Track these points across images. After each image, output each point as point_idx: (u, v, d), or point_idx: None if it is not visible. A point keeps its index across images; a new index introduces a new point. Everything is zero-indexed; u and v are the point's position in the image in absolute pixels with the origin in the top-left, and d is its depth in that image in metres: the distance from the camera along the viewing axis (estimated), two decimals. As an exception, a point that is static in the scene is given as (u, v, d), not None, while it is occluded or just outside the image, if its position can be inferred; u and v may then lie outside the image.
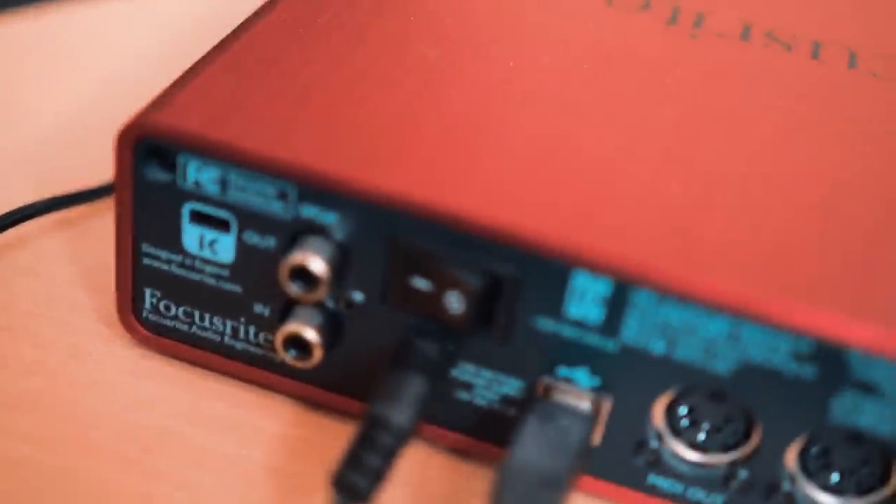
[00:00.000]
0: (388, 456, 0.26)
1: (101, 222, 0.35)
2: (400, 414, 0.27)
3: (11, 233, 0.34)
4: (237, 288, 0.29)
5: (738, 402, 0.26)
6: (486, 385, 0.28)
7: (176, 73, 0.29)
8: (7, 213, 0.33)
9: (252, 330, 0.30)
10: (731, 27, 0.35)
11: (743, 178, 0.28)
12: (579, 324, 0.26)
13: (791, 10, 0.36)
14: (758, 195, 0.28)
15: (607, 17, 0.34)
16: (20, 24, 0.43)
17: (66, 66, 0.42)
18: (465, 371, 0.28)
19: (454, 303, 0.27)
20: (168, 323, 0.30)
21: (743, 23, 0.35)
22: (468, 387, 0.28)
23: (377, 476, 0.26)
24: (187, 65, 0.30)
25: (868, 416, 0.25)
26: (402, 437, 0.26)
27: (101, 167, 0.36)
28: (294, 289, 0.28)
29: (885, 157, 0.30)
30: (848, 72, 0.33)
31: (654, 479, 0.28)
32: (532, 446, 0.26)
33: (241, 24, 0.32)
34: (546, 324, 0.27)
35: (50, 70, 0.42)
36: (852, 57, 0.34)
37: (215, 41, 0.31)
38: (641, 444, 0.28)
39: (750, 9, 0.36)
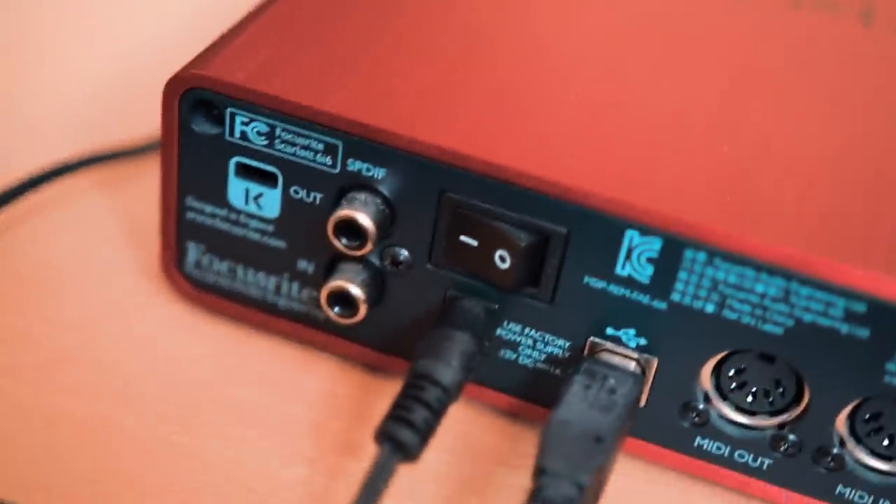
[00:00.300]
0: (434, 412, 0.26)
1: (143, 180, 0.35)
2: (446, 370, 0.26)
3: (55, 189, 0.34)
4: (282, 244, 0.29)
5: (788, 364, 0.26)
6: (531, 345, 0.28)
7: (220, 31, 0.29)
8: (48, 169, 0.33)
9: (295, 286, 0.30)
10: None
11: (793, 141, 0.28)
12: (628, 283, 0.26)
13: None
14: (808, 158, 0.27)
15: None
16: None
17: (110, 24, 0.42)
18: (511, 331, 0.28)
19: (502, 260, 0.27)
20: (211, 278, 0.30)
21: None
22: (514, 346, 0.28)
23: (423, 432, 0.26)
24: (233, 22, 0.30)
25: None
26: (448, 394, 0.26)
27: (144, 125, 0.36)
28: (341, 243, 0.28)
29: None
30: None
31: (700, 441, 0.28)
32: (577, 404, 0.26)
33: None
34: (594, 283, 0.26)
35: (93, 28, 0.42)
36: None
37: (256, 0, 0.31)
38: (688, 406, 0.27)
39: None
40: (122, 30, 0.42)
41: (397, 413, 0.26)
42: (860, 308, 0.24)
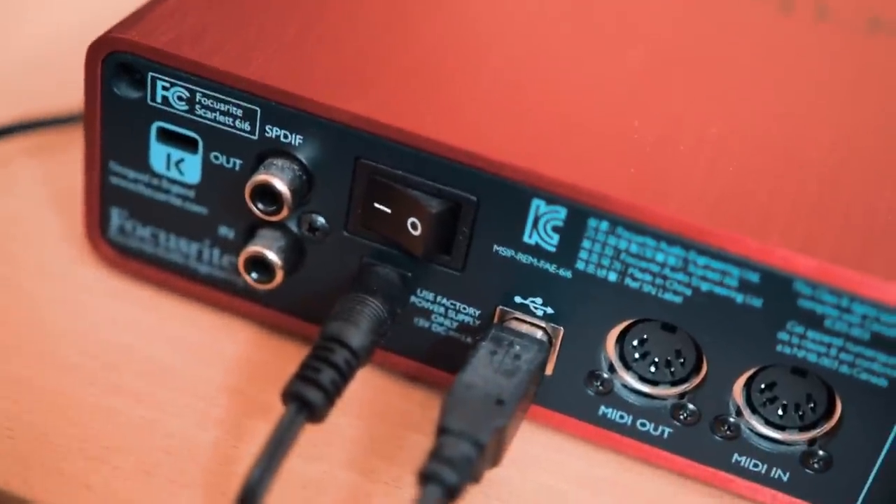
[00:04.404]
0: (342, 374, 0.26)
1: (74, 147, 0.35)
2: (356, 333, 0.27)
3: (-15, 155, 0.35)
4: (203, 209, 0.30)
5: (687, 335, 0.27)
6: (443, 313, 0.29)
7: None
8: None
9: (216, 252, 0.30)
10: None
11: (704, 118, 0.29)
12: (535, 251, 0.27)
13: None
14: (716, 135, 0.28)
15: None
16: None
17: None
18: (423, 298, 0.29)
19: (414, 228, 0.27)
20: (134, 244, 0.31)
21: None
22: (426, 314, 0.29)
23: (330, 392, 0.26)
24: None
25: (812, 349, 0.26)
26: (356, 357, 0.27)
27: (77, 93, 0.36)
28: (257, 208, 0.28)
29: (843, 105, 0.31)
30: (816, 23, 0.34)
31: (604, 409, 0.28)
32: (482, 369, 0.26)
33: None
34: (503, 251, 0.27)
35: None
36: (821, 8, 0.34)
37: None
38: (593, 375, 0.28)
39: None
40: None
41: (305, 373, 0.26)
42: (753, 278, 0.25)
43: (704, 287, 0.26)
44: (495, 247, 0.27)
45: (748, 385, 0.27)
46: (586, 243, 0.26)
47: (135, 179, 0.30)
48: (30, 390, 0.29)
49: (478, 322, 0.28)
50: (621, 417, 0.28)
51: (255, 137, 0.28)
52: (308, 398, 0.26)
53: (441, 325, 0.29)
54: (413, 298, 0.29)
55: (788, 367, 0.26)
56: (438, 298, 0.28)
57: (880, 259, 0.25)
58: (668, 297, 0.26)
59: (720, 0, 0.34)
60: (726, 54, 0.32)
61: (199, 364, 0.30)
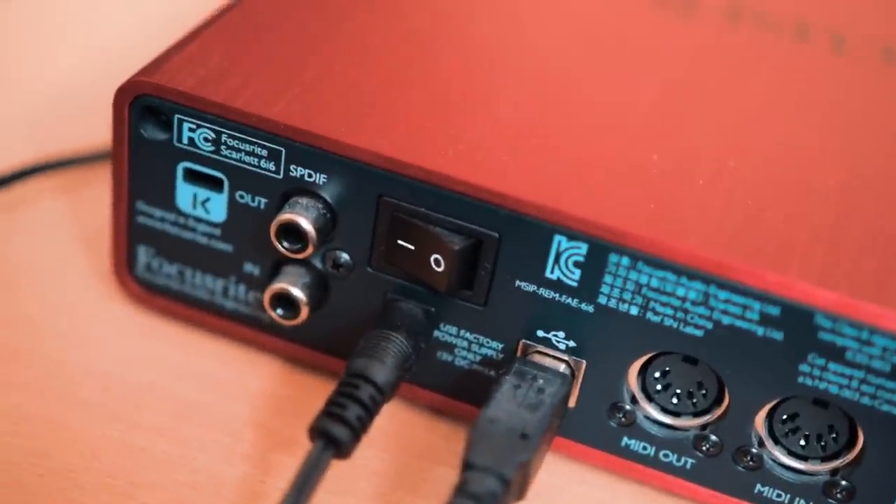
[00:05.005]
0: (368, 410, 0.27)
1: (99, 185, 0.36)
2: (381, 369, 0.27)
3: (13, 194, 0.35)
4: (228, 247, 0.30)
5: (709, 367, 0.27)
6: (466, 347, 0.29)
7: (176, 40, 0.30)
8: (8, 173, 0.34)
9: (242, 289, 0.30)
10: (719, 7, 0.36)
11: (720, 151, 0.29)
12: (557, 286, 0.27)
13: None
14: (733, 168, 0.28)
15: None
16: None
17: (70, 34, 0.43)
18: (446, 333, 0.29)
19: (437, 264, 0.28)
20: (160, 281, 0.31)
21: (732, 4, 0.36)
22: (450, 348, 0.29)
23: (356, 428, 0.26)
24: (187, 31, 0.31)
25: (833, 381, 0.26)
26: (381, 392, 0.27)
27: (102, 132, 0.37)
28: (283, 246, 0.28)
29: (859, 135, 0.31)
30: (831, 54, 0.34)
31: (627, 441, 0.29)
32: (506, 403, 0.27)
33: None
34: (525, 286, 0.27)
35: (53, 37, 0.43)
36: (837, 39, 0.35)
37: (214, 8, 0.32)
38: (615, 407, 0.28)
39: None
40: (87, 36, 0.43)
41: (331, 410, 0.27)
42: (774, 311, 0.25)
43: (725, 321, 0.26)
44: (517, 282, 0.27)
45: (770, 416, 0.27)
46: (608, 278, 0.27)
47: (161, 218, 0.30)
48: (56, 428, 0.29)
49: (501, 356, 0.29)
50: (644, 448, 0.28)
51: (280, 177, 0.28)
52: (335, 435, 0.26)
53: (465, 359, 0.29)
54: (437, 333, 0.29)
55: (810, 399, 0.27)
56: (462, 333, 0.29)
57: (899, 292, 0.25)
58: (689, 330, 0.26)
59: (736, 32, 0.34)
60: (742, 86, 0.32)
61: (225, 399, 0.30)
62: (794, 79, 0.33)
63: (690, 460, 0.28)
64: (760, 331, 0.26)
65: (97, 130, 0.37)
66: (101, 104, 0.37)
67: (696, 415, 0.28)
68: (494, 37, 0.32)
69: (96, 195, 0.35)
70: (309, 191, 0.28)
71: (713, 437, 0.28)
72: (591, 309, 0.27)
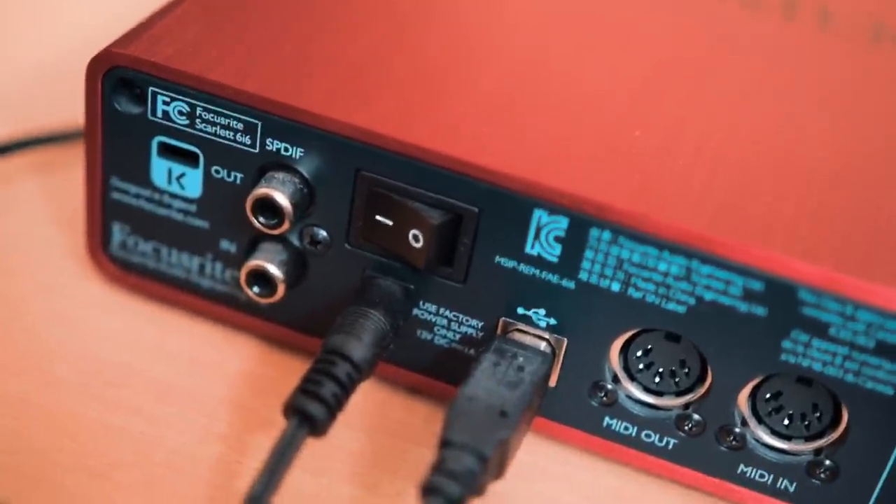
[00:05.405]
0: (344, 387, 0.26)
1: (76, 164, 0.35)
2: (358, 346, 0.27)
3: (-12, 171, 0.35)
4: (204, 224, 0.30)
5: (691, 344, 0.27)
6: (446, 325, 0.28)
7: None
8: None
9: (218, 267, 0.30)
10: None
11: (705, 127, 0.28)
12: (538, 262, 0.27)
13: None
14: (718, 143, 0.28)
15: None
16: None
17: (50, 9, 0.43)
18: (426, 311, 0.28)
19: (416, 239, 0.27)
20: (136, 259, 0.31)
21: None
22: (429, 326, 0.29)
23: (331, 406, 0.26)
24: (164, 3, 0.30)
25: (817, 358, 0.25)
26: (358, 370, 0.27)
27: (78, 110, 0.36)
28: (259, 222, 0.28)
29: (846, 112, 0.30)
30: (819, 31, 0.34)
31: (609, 421, 0.28)
32: (485, 381, 0.26)
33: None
34: (505, 262, 0.27)
35: (32, 13, 0.42)
36: (824, 17, 0.34)
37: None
38: (597, 386, 0.28)
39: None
40: (62, 13, 0.43)
41: (306, 387, 0.26)
42: (757, 286, 0.25)
43: (708, 296, 0.26)
44: (497, 258, 0.27)
45: (753, 395, 0.27)
46: (589, 253, 0.26)
47: (136, 194, 0.30)
48: (31, 407, 0.28)
49: (481, 334, 0.28)
50: (626, 429, 0.28)
51: (256, 151, 0.28)
52: (309, 412, 0.26)
53: (444, 337, 0.29)
54: (415, 311, 0.29)
55: (794, 377, 0.26)
56: (441, 310, 0.28)
57: (884, 266, 0.25)
58: (671, 306, 0.26)
59: (721, 8, 0.34)
60: (728, 62, 0.31)
61: (201, 379, 0.30)
62: (781, 56, 0.32)
63: (673, 440, 0.28)
64: (743, 306, 0.25)
65: (76, 108, 0.37)
66: (76, 81, 0.37)
67: (679, 394, 0.27)
68: (476, 11, 0.32)
69: (72, 174, 0.35)
70: (285, 165, 0.28)
71: (696, 417, 0.27)
72: (571, 285, 0.27)
